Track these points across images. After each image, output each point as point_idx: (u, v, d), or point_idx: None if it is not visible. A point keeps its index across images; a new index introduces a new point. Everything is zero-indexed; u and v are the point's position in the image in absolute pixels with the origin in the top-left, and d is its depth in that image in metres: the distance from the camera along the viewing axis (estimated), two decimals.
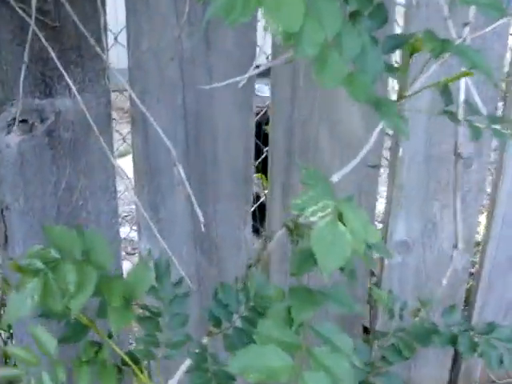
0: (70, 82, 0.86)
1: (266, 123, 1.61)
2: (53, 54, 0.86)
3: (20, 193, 1.00)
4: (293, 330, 0.60)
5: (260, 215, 2.08)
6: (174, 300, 0.78)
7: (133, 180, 1.06)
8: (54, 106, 0.97)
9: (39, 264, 0.56)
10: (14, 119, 0.96)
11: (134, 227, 1.69)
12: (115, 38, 1.18)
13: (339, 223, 0.51)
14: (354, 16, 0.58)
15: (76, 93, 0.88)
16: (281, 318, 0.62)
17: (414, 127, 1.14)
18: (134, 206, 2.12)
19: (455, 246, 0.85)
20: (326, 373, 0.54)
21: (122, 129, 1.95)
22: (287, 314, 0.62)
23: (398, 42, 0.65)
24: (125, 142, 1.70)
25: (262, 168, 1.54)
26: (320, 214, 0.50)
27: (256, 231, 2.15)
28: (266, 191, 1.62)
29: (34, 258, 0.57)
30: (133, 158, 1.04)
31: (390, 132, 1.22)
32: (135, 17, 0.96)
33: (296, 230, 0.69)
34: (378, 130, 0.72)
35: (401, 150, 1.16)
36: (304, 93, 1.07)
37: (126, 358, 0.70)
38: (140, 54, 0.98)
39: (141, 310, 0.76)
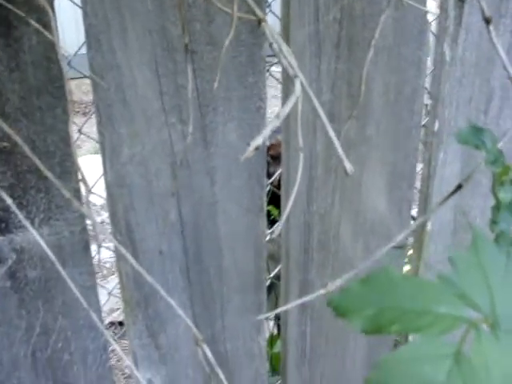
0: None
1: None
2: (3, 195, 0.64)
3: None
4: None
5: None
6: None
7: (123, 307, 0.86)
8: (14, 243, 0.75)
9: None
10: None
11: None
12: None
13: None
14: None
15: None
16: None
17: None
18: None
19: None
20: None
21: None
22: None
23: None
24: (82, 134, 1.47)
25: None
26: None
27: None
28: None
29: None
30: (121, 287, 0.83)
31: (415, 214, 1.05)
32: (110, 120, 0.73)
33: None
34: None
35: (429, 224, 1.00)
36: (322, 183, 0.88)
37: None
38: (120, 167, 0.76)
39: None
